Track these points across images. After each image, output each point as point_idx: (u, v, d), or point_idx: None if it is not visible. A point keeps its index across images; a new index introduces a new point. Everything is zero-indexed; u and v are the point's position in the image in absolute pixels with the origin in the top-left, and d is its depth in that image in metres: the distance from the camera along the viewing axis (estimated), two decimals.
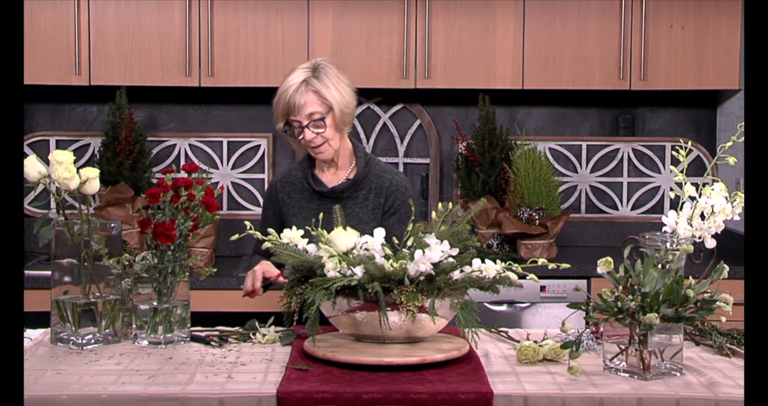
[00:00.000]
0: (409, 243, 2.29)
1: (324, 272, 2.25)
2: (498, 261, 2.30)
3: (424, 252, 2.21)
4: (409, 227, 2.32)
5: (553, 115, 4.59)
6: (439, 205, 2.40)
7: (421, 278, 2.23)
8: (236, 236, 2.43)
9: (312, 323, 2.22)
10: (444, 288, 2.24)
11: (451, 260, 2.26)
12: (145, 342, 2.41)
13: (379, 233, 2.31)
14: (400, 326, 2.25)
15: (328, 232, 2.33)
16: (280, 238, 2.39)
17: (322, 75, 2.77)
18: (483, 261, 2.28)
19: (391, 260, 2.22)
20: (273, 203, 2.95)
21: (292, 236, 2.37)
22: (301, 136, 2.77)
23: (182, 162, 4.45)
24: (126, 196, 4.01)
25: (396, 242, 2.32)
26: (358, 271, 2.21)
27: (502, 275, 2.28)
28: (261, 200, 4.50)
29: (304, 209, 2.85)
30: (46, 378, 2.13)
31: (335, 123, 2.78)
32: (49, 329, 2.47)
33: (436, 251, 2.22)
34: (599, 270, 2.19)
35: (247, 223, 2.42)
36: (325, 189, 2.85)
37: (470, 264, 2.28)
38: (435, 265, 2.23)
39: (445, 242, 2.25)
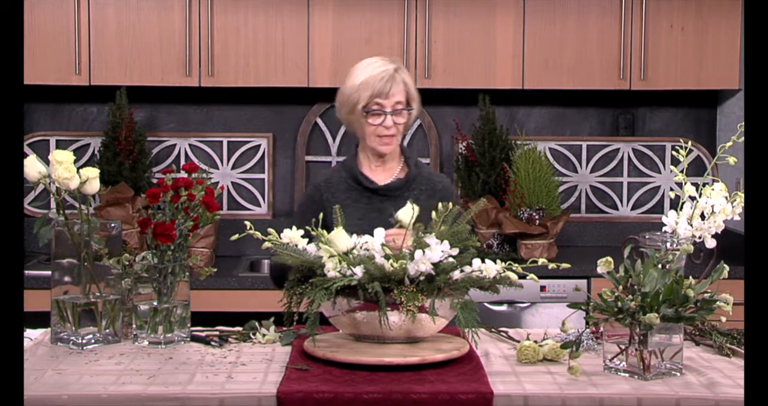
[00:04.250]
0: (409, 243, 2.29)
1: (324, 272, 2.25)
2: (498, 261, 2.30)
3: (424, 252, 2.21)
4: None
5: (553, 115, 4.59)
6: (439, 205, 2.40)
7: (421, 278, 2.23)
8: (236, 236, 2.43)
9: (312, 323, 2.22)
10: (444, 288, 2.24)
11: (451, 260, 2.26)
12: (145, 342, 2.41)
13: (379, 232, 2.30)
14: (400, 326, 2.25)
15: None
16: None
17: (405, 71, 2.85)
18: (483, 261, 2.28)
19: (391, 260, 2.22)
20: (315, 203, 2.88)
21: (292, 235, 2.37)
22: (378, 121, 2.78)
23: (182, 162, 4.45)
24: (126, 196, 4.01)
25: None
26: (358, 271, 2.21)
27: (502, 275, 2.28)
28: (260, 200, 4.51)
29: (351, 208, 2.80)
30: (46, 378, 2.13)
31: (409, 120, 2.84)
32: (49, 329, 2.47)
33: (436, 251, 2.22)
34: (599, 270, 2.19)
35: (247, 223, 2.42)
36: (377, 186, 2.85)
37: (470, 264, 2.28)
38: (435, 265, 2.23)
39: (445, 242, 2.25)
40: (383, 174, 2.89)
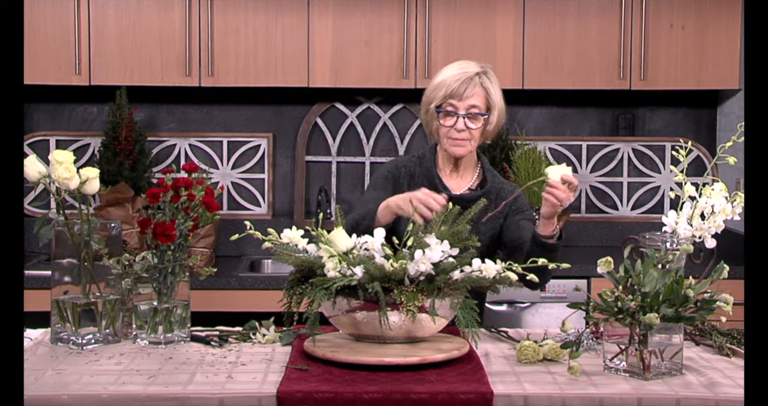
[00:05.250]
0: (409, 243, 2.29)
1: (324, 272, 2.24)
2: (497, 261, 2.30)
3: (424, 252, 2.21)
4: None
5: (553, 115, 4.59)
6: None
7: (421, 277, 2.23)
8: (236, 236, 2.43)
9: (312, 322, 2.21)
10: (444, 288, 2.24)
11: (450, 260, 2.26)
12: (145, 342, 2.41)
13: (379, 233, 2.30)
14: (400, 326, 2.25)
15: None
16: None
17: (491, 77, 2.76)
18: (483, 261, 2.28)
19: (391, 260, 2.22)
20: (394, 180, 2.81)
21: (292, 235, 2.37)
22: (450, 123, 2.72)
23: (182, 162, 4.45)
24: (126, 196, 4.01)
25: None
26: (358, 271, 2.21)
27: (502, 274, 2.28)
28: (260, 200, 4.51)
29: None
30: (46, 378, 2.13)
31: (487, 126, 2.76)
32: (49, 329, 2.47)
33: (436, 250, 2.22)
34: (599, 270, 2.19)
35: (247, 223, 2.42)
36: (452, 195, 2.73)
37: (470, 264, 2.28)
38: (435, 265, 2.23)
39: (445, 241, 2.25)
40: (458, 181, 2.82)
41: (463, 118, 2.72)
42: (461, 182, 2.83)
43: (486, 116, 2.74)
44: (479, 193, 2.78)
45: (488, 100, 2.74)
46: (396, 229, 2.60)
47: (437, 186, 2.78)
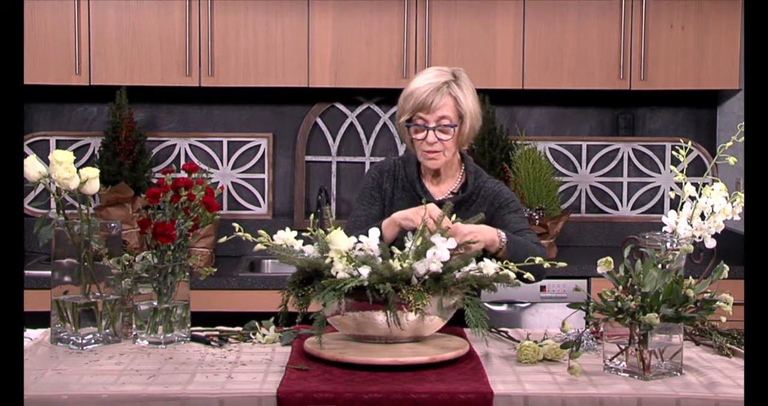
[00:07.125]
0: (417, 243, 2.29)
1: (332, 273, 2.23)
2: (494, 260, 2.30)
3: (435, 252, 2.21)
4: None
5: (553, 115, 4.59)
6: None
7: (427, 276, 2.22)
8: (224, 239, 2.42)
9: (319, 324, 2.20)
10: (450, 287, 2.24)
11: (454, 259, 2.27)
12: (145, 342, 2.41)
13: (374, 232, 2.29)
14: (404, 324, 2.24)
15: None
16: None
17: (461, 83, 2.71)
18: (482, 260, 2.28)
19: (398, 260, 2.22)
20: (378, 188, 2.80)
21: (286, 236, 2.36)
22: (421, 136, 2.68)
23: (182, 162, 4.45)
24: (126, 196, 4.01)
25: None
26: (364, 271, 2.20)
27: (501, 273, 2.28)
28: (260, 200, 4.51)
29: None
30: (46, 378, 2.13)
31: (460, 135, 2.70)
32: (49, 329, 2.47)
33: (443, 250, 2.22)
34: (599, 270, 2.19)
35: (236, 225, 2.41)
36: (434, 200, 2.70)
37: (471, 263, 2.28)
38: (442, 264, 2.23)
39: (451, 239, 2.25)
40: (437, 187, 2.79)
41: (434, 131, 2.67)
42: (444, 187, 2.80)
43: (456, 127, 2.68)
44: (460, 197, 2.75)
45: (458, 108, 2.69)
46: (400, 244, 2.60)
47: (418, 192, 2.75)
